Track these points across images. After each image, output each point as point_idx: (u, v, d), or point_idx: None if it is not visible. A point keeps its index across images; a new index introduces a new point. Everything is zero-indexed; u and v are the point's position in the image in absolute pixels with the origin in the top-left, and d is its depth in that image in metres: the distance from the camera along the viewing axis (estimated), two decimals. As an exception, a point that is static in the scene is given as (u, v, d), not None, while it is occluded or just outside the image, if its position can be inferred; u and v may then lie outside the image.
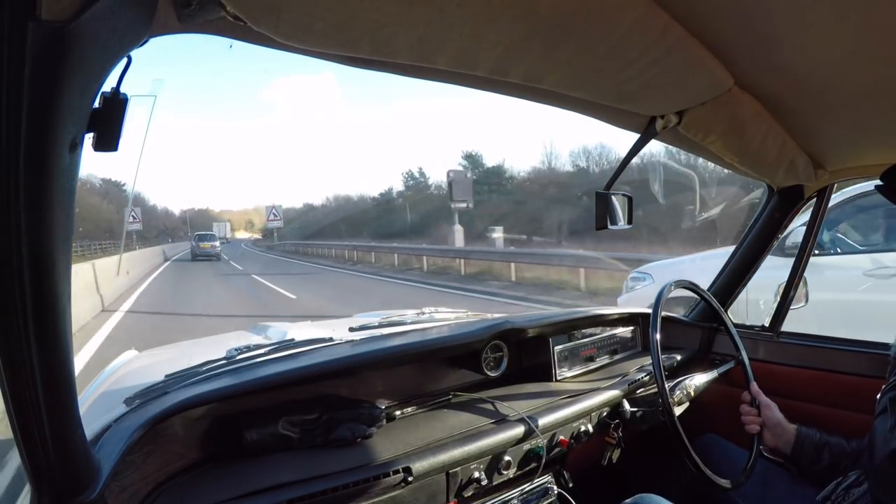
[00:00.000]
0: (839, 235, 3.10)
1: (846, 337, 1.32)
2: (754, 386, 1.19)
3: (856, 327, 2.34)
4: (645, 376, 1.28)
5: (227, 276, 15.12)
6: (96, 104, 0.42)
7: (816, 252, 2.85)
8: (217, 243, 25.43)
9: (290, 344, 1.07)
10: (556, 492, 1.12)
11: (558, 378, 1.26)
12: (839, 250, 3.04)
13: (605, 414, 1.18)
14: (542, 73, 0.67)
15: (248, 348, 1.03)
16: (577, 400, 1.13)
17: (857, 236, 3.08)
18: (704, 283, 3.64)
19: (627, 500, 1.03)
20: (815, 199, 1.38)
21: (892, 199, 0.98)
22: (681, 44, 0.66)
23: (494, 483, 0.98)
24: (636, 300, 3.73)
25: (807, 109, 0.92)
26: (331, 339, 1.11)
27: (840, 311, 2.68)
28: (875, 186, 0.99)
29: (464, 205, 16.06)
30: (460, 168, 25.44)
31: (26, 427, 0.48)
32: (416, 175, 33.57)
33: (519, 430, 0.98)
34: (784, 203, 1.39)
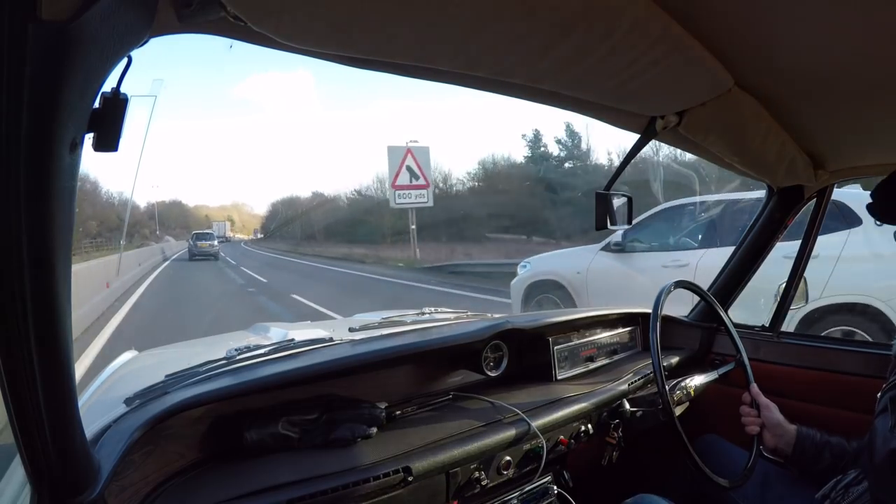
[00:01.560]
0: (644, 239, 4.35)
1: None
2: (754, 387, 1.19)
3: (651, 297, 3.45)
4: (645, 376, 1.28)
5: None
6: (96, 104, 0.42)
7: (647, 248, 4.25)
8: (215, 242, 26.15)
9: (290, 344, 1.07)
10: (556, 492, 1.12)
11: (558, 378, 1.26)
12: (649, 247, 4.26)
13: (605, 414, 1.18)
14: (542, 73, 0.67)
15: (248, 348, 1.03)
16: (577, 400, 1.13)
17: (663, 238, 4.26)
18: (562, 266, 4.45)
19: (627, 500, 1.03)
20: (815, 200, 1.38)
21: (879, 216, 0.98)
22: (681, 44, 0.66)
23: (494, 483, 0.98)
24: (520, 282, 5.04)
25: (807, 109, 0.92)
26: (331, 340, 1.11)
27: (642, 288, 4.04)
28: (867, 206, 0.99)
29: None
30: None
31: (26, 427, 0.48)
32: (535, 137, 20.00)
33: (519, 430, 0.98)
34: (784, 203, 1.39)
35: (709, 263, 3.51)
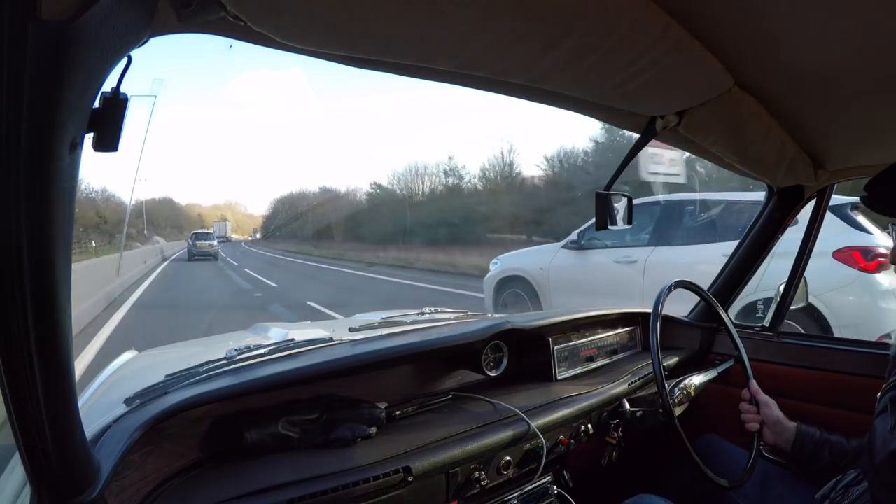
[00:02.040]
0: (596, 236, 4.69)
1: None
2: (753, 384, 1.19)
3: (605, 290, 4.22)
4: (644, 377, 1.28)
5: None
6: (96, 104, 0.42)
7: (608, 245, 4.49)
8: (214, 242, 26.26)
9: (291, 344, 1.07)
10: (555, 492, 1.12)
11: (558, 378, 1.26)
12: (604, 245, 4.56)
13: (605, 414, 1.18)
14: (543, 73, 0.67)
15: (248, 348, 1.03)
16: (577, 400, 1.13)
17: (616, 236, 4.45)
18: (527, 263, 4.95)
19: (627, 501, 1.03)
20: (815, 200, 1.38)
21: (876, 209, 0.98)
22: (681, 44, 0.66)
23: (494, 483, 0.98)
24: (491, 278, 5.45)
25: (807, 109, 0.92)
26: (331, 340, 1.11)
27: (595, 281, 4.46)
28: (860, 198, 0.99)
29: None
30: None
31: (26, 427, 0.48)
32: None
33: (519, 429, 0.98)
34: (784, 203, 1.40)
35: (656, 260, 3.97)
